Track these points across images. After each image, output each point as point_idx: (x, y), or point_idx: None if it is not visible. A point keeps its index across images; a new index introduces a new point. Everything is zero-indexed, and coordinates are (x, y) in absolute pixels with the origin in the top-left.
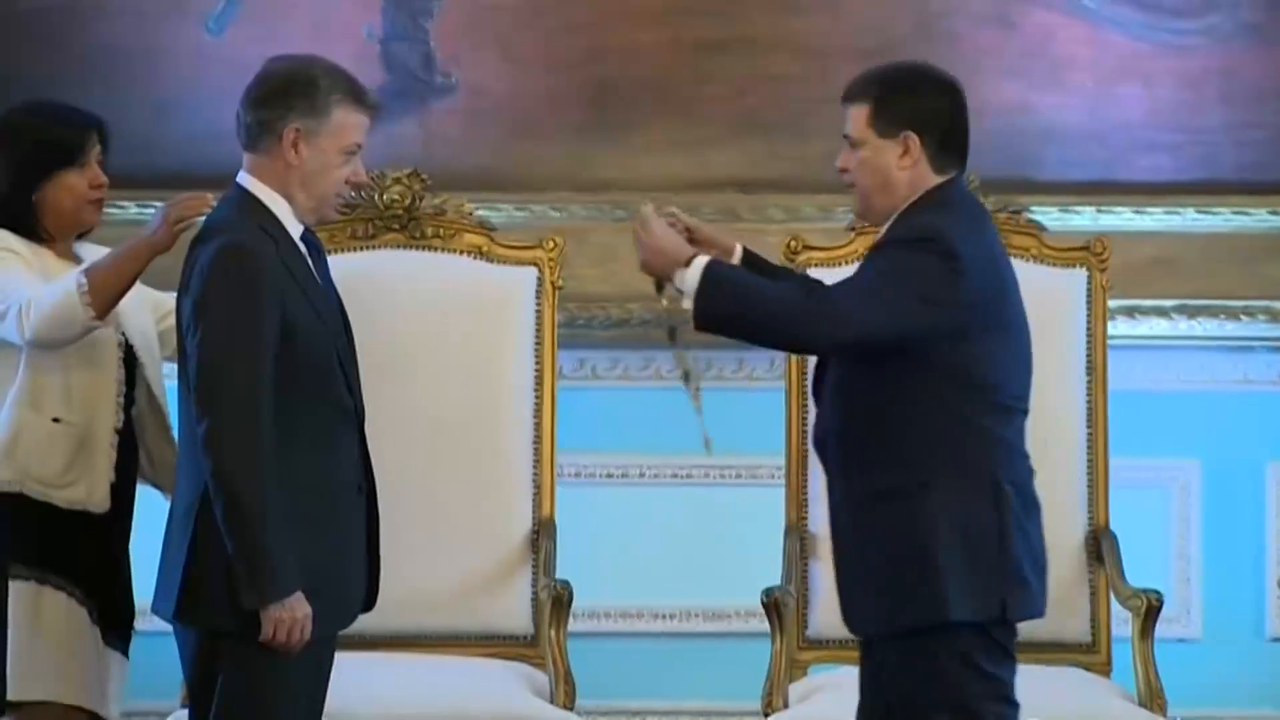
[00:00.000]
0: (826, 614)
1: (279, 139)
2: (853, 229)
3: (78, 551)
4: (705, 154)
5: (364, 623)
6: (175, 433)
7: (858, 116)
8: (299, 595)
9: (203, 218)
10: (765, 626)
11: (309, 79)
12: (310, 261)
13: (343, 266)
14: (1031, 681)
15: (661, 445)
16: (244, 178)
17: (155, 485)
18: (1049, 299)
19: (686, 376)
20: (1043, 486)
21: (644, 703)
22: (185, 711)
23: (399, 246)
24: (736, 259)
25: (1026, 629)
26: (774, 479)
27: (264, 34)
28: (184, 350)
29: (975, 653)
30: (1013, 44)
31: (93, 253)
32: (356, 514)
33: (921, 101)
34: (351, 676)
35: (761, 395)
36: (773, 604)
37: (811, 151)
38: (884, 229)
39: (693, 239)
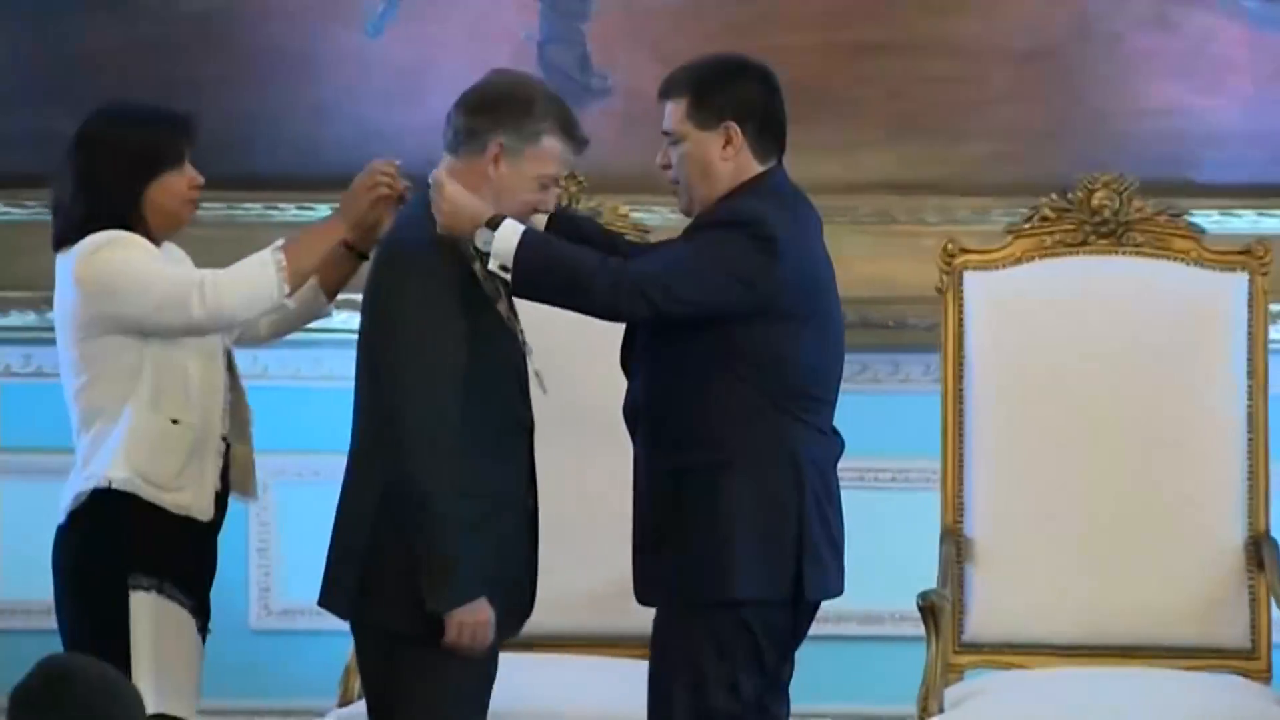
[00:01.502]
0: (982, 618)
1: (482, 149)
2: (1010, 231)
3: (188, 558)
4: (859, 156)
5: (530, 623)
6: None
7: (676, 111)
8: (483, 600)
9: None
10: (919, 630)
11: (526, 100)
12: None
13: None
14: (1189, 688)
15: None
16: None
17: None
18: (1209, 303)
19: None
20: (1200, 490)
21: (797, 706)
22: (342, 710)
23: None
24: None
25: (1183, 634)
26: (928, 482)
27: (422, 37)
28: (368, 347)
29: (740, 635)
30: (1172, 46)
31: (172, 253)
32: (524, 524)
33: (738, 90)
34: (517, 676)
35: (915, 399)
36: (928, 607)
37: (967, 154)
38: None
39: None
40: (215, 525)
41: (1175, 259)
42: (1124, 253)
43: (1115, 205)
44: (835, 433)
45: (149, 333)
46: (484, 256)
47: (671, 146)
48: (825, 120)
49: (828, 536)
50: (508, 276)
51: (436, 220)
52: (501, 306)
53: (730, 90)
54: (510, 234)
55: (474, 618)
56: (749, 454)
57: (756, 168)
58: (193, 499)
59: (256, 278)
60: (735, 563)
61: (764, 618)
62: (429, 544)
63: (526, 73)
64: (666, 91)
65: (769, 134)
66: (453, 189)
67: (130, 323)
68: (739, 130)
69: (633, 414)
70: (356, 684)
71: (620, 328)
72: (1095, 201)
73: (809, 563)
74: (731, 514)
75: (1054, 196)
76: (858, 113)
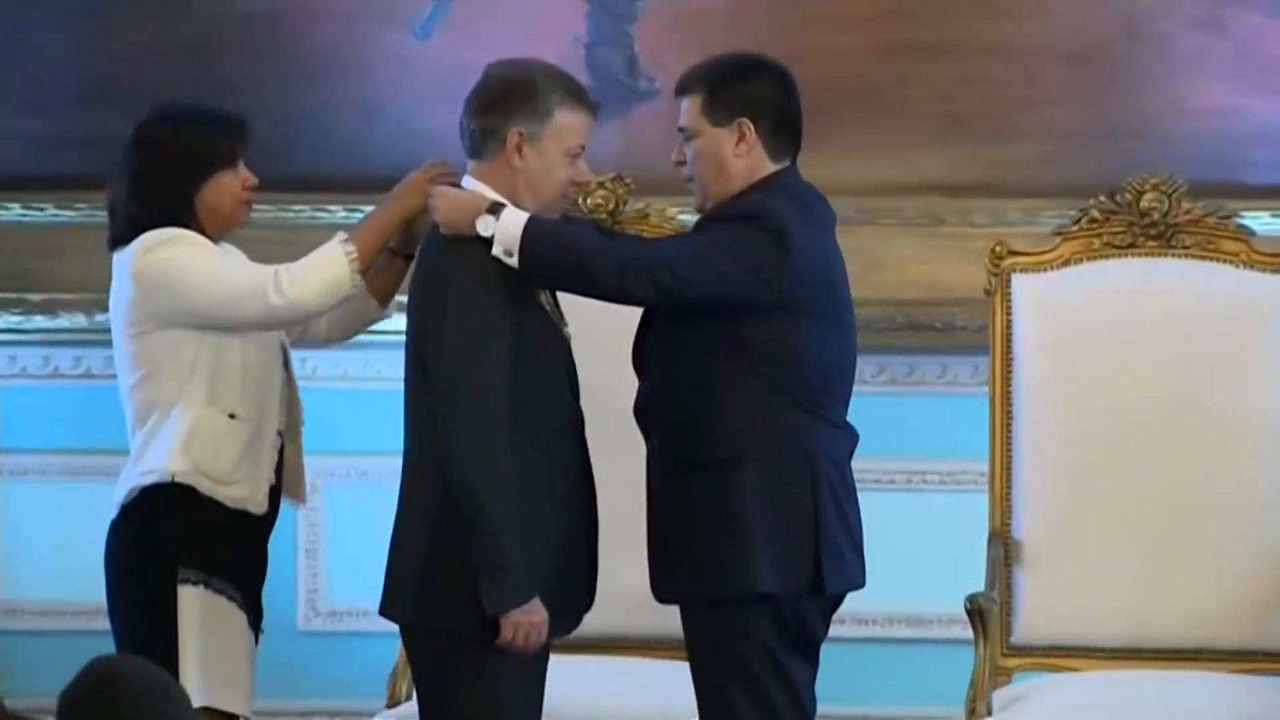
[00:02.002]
0: (1030, 620)
1: (503, 144)
2: (1058, 233)
3: (239, 552)
4: (908, 158)
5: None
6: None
7: (691, 108)
8: (536, 600)
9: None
10: (967, 633)
11: (529, 82)
12: None
13: None
14: (1239, 691)
15: (862, 450)
16: (469, 183)
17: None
18: (1258, 305)
19: None
20: (1249, 492)
21: (845, 708)
22: (391, 711)
23: None
24: None
25: (1232, 637)
26: (976, 484)
27: (469, 38)
28: (416, 347)
29: (775, 627)
30: (1221, 47)
31: (228, 252)
32: (580, 519)
33: (753, 87)
34: (565, 677)
35: (963, 400)
36: (976, 610)
37: (1016, 155)
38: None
39: None
40: (269, 520)
41: (1225, 261)
42: (1173, 255)
43: (1164, 207)
44: (849, 427)
45: (217, 326)
46: (487, 244)
47: (686, 143)
48: (874, 122)
49: (845, 530)
50: (512, 262)
51: (439, 221)
52: (544, 300)
53: (745, 88)
54: (514, 218)
55: (529, 618)
56: (763, 449)
57: (770, 166)
58: (248, 492)
59: (330, 268)
60: (754, 559)
61: (791, 611)
62: (482, 547)
63: (520, 57)
64: (683, 88)
65: (784, 133)
66: (450, 190)
67: (193, 317)
68: (752, 128)
69: (645, 412)
70: (404, 685)
71: (633, 327)
72: (1144, 203)
73: (827, 556)
74: (747, 510)
75: (1102, 198)
76: (906, 114)
